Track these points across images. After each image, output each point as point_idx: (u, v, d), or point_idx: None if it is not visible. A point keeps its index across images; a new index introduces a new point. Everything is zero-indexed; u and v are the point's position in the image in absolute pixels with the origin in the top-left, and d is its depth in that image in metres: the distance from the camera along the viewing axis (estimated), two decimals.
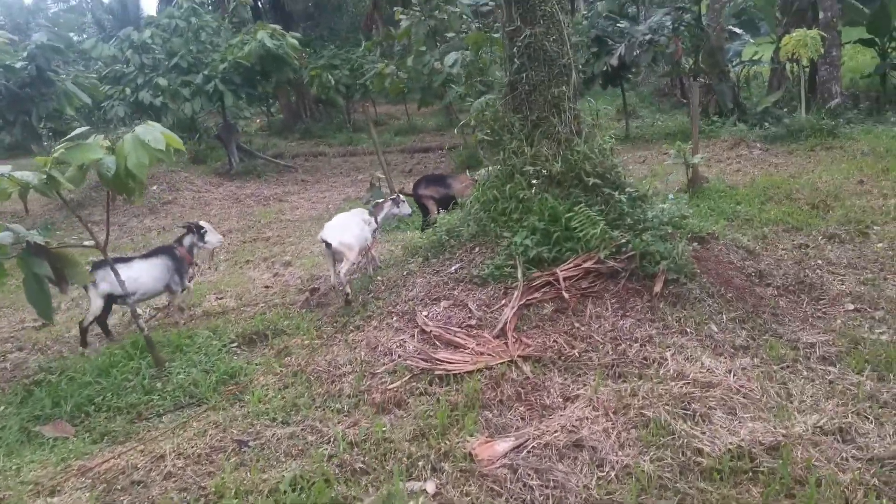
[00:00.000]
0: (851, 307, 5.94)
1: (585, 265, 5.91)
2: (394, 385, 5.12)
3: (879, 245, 7.66)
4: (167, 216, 13.25)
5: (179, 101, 16.71)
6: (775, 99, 18.48)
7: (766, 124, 16.03)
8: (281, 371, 5.66)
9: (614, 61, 18.73)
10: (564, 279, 5.85)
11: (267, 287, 8.33)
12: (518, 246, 6.01)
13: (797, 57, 14.20)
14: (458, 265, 6.42)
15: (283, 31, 17.33)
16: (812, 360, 5.06)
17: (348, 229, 7.64)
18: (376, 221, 8.37)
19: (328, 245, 7.41)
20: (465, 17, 15.15)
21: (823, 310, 5.92)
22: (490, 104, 8.24)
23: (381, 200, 8.96)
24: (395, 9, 15.62)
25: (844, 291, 6.27)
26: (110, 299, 6.86)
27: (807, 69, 17.19)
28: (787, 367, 4.96)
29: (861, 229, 8.15)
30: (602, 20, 19.41)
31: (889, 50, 18.70)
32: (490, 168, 7.03)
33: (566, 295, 5.69)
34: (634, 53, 17.73)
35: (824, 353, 5.13)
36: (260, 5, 28.51)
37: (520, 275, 5.88)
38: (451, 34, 14.85)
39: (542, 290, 5.85)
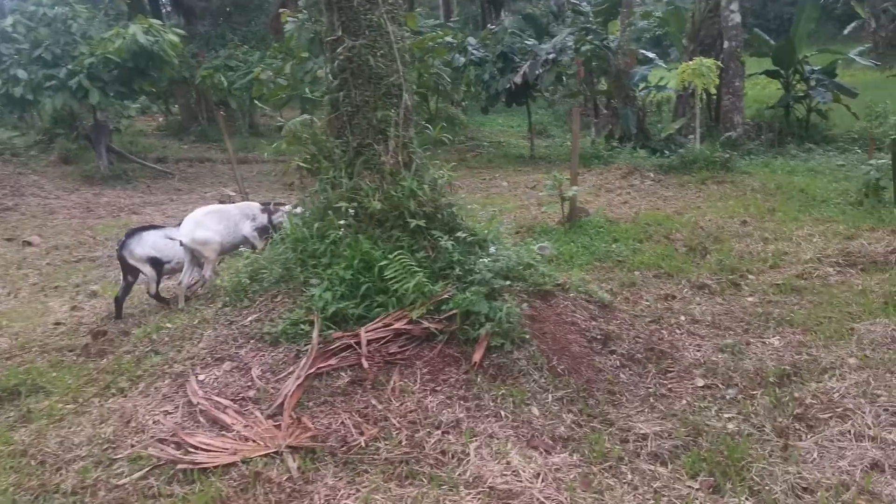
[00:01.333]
0: (701, 383, 5.13)
1: (396, 325, 4.94)
2: (124, 481, 4.01)
3: (749, 299, 6.96)
4: (4, 226, 11.72)
5: (41, 96, 15.09)
6: (679, 126, 18.12)
7: (667, 152, 15.52)
8: (1, 450, 4.48)
9: (518, 79, 18.06)
10: (369, 342, 4.87)
11: (57, 324, 7.08)
12: (317, 300, 4.97)
13: (693, 86, 13.67)
14: (254, 316, 5.35)
15: (160, 27, 15.93)
16: (641, 457, 4.19)
17: (203, 224, 6.63)
18: (270, 222, 7.24)
19: (181, 243, 6.43)
20: None
21: (670, 386, 5.09)
22: (307, 125, 7.21)
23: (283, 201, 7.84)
24: (280, 10, 14.40)
25: (698, 361, 5.47)
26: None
27: (702, 98, 16.90)
28: (611, 467, 4.06)
29: (734, 280, 7.47)
30: (508, 36, 18.66)
31: (793, 82, 18.61)
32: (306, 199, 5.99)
33: (365, 363, 4.68)
34: (537, 72, 17.01)
35: (657, 447, 4.27)
36: None
37: (314, 336, 4.86)
38: None
39: (341, 355, 4.84)
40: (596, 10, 18.03)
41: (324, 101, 5.93)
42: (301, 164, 5.96)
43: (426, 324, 4.92)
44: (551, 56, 17.23)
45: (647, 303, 6.87)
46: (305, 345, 4.90)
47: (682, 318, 6.52)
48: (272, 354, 4.96)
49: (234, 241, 6.84)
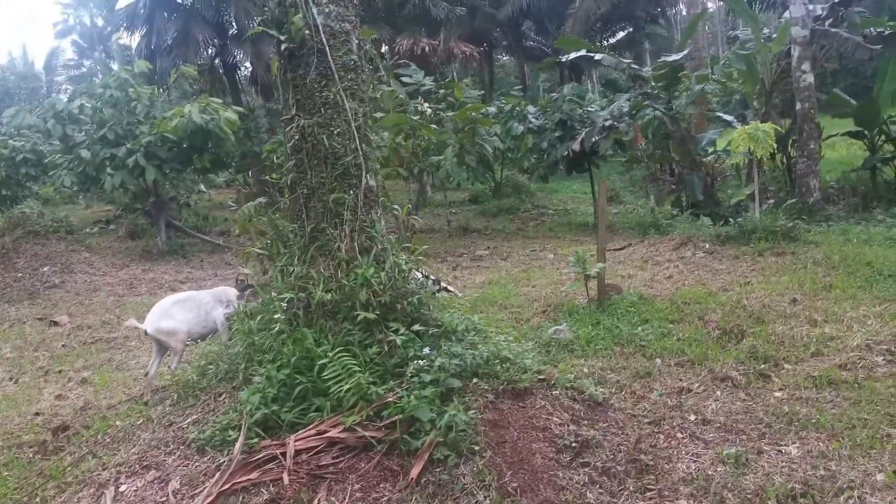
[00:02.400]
0: None
1: (331, 433, 4.42)
2: None
3: (777, 394, 6.10)
4: (45, 305, 11.92)
5: (103, 174, 15.61)
6: (750, 192, 17.08)
7: (731, 221, 14.57)
8: None
9: (576, 146, 17.53)
10: (301, 453, 4.36)
11: (37, 414, 6.87)
12: (245, 403, 4.52)
13: (752, 153, 12.79)
14: (193, 418, 4.95)
15: (219, 106, 16.31)
16: None
17: (168, 314, 6.39)
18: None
19: (146, 332, 6.23)
20: (400, 97, 13.98)
21: None
22: (259, 210, 6.87)
23: None
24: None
25: (690, 475, 4.69)
26: None
27: (782, 163, 15.98)
28: None
29: (764, 370, 6.61)
30: (566, 104, 18.25)
31: (879, 143, 17.42)
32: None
33: (286, 479, 4.17)
34: (593, 139, 16.47)
35: None
36: (238, 77, 27.91)
37: (237, 445, 4.40)
38: (380, 114, 13.66)
39: (265, 467, 4.35)
40: (657, 74, 17.39)
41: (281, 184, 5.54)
42: (257, 249, 5.60)
43: (362, 432, 4.37)
44: (608, 122, 16.65)
45: (654, 398, 6.08)
46: (231, 454, 4.43)
47: (692, 417, 5.73)
48: (196, 464, 4.53)
49: (205, 330, 6.52)
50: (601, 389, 5.83)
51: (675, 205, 17.74)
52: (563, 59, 19.44)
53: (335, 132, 5.24)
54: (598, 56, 17.89)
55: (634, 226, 16.53)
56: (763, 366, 6.80)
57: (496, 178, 22.47)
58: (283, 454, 4.35)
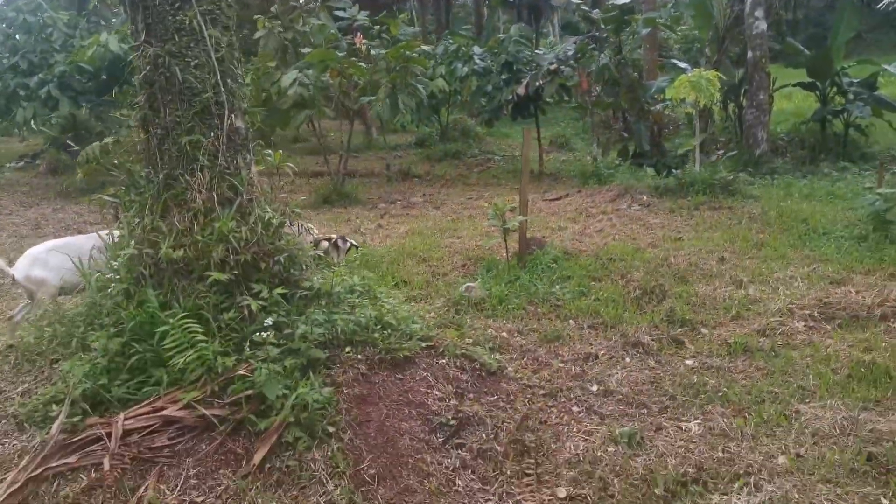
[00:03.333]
0: (563, 494, 3.91)
1: (168, 411, 3.85)
2: None
3: (688, 362, 5.71)
4: None
5: (15, 105, 14.54)
6: (699, 142, 16.66)
7: (676, 171, 14.16)
8: None
9: (521, 90, 16.88)
10: (129, 433, 3.79)
11: None
12: (67, 374, 3.93)
13: (696, 100, 12.27)
14: (23, 387, 4.34)
15: None
16: None
17: (41, 261, 5.71)
18: None
19: (13, 279, 5.60)
20: (332, 31, 13.10)
21: (518, 497, 3.88)
22: (107, 150, 6.15)
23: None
24: (256, 17, 13.55)
25: (576, 457, 4.26)
26: None
27: (734, 113, 15.63)
28: None
29: (679, 335, 6.22)
30: (512, 45, 17.50)
31: (830, 95, 17.10)
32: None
33: (107, 464, 3.61)
34: (537, 83, 15.80)
35: None
36: None
37: (55, 425, 3.80)
38: (308, 49, 12.81)
39: (88, 449, 3.78)
40: (606, 17, 16.63)
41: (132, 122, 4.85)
42: (106, 196, 4.93)
43: (201, 410, 3.81)
44: (553, 66, 15.98)
45: (560, 366, 5.63)
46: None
47: (594, 388, 5.30)
48: (12, 443, 3.93)
49: (82, 281, 5.80)
50: (496, 357, 5.36)
51: (622, 154, 17.27)
52: None
53: (192, 64, 4.55)
54: None
55: (577, 175, 16.04)
56: (679, 330, 6.42)
57: (441, 122, 21.67)
58: (109, 435, 3.78)
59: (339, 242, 7.20)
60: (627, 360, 5.87)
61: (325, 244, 7.17)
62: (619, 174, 14.59)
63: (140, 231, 4.46)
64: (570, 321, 6.77)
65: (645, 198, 12.02)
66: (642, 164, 16.12)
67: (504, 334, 6.26)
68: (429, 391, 4.52)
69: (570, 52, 15.60)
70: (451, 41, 20.61)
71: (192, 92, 4.52)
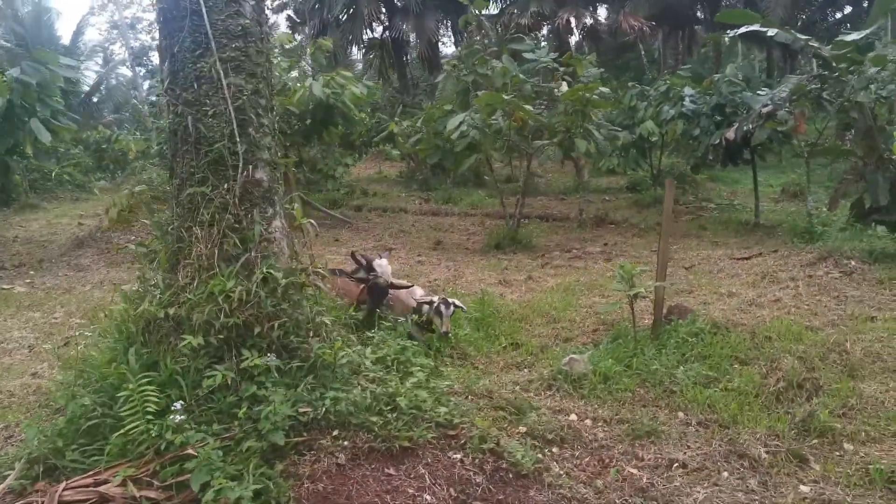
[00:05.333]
0: None
1: (104, 487, 3.58)
2: None
3: (803, 489, 4.47)
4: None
5: None
6: None
7: None
8: None
9: (730, 134, 15.31)
10: None
11: None
12: (27, 434, 3.81)
13: None
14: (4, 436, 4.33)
15: (345, 81, 15.95)
16: None
17: None
18: None
19: None
20: (515, 74, 12.75)
21: None
22: (141, 196, 5.98)
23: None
24: (442, 60, 13.57)
25: None
26: None
27: None
28: None
29: (806, 449, 4.95)
30: (726, 85, 16.01)
31: None
32: None
33: None
34: (745, 128, 14.25)
35: None
36: (406, 53, 27.70)
37: (1, 487, 3.68)
38: (482, 92, 12.52)
39: None
40: (836, 55, 14.56)
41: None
42: (131, 246, 4.85)
43: (132, 490, 3.48)
44: (766, 109, 14.29)
45: (624, 473, 4.66)
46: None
47: None
48: None
49: None
50: (536, 456, 4.51)
51: (855, 208, 14.95)
52: (731, 35, 17.07)
53: (209, 113, 4.33)
54: (771, 32, 15.43)
55: (788, 230, 14.14)
56: (813, 441, 5.08)
57: (653, 165, 20.42)
58: None
59: (442, 307, 6.57)
60: (724, 475, 4.72)
61: (426, 308, 6.70)
62: (834, 232, 12.54)
63: (147, 284, 4.28)
64: (680, 414, 5.68)
65: (852, 263, 10.17)
66: (881, 221, 13.78)
67: (581, 423, 5.36)
68: (418, 495, 3.84)
69: (783, 94, 13.81)
70: (667, 80, 19.36)
71: (208, 142, 4.29)
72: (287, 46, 18.29)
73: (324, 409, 4.00)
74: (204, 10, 4.26)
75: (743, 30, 16.22)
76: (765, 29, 15.34)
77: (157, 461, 3.66)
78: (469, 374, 6.33)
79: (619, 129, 17.21)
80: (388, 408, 4.26)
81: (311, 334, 4.37)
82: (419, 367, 4.80)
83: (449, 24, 25.34)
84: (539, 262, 11.99)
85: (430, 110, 12.79)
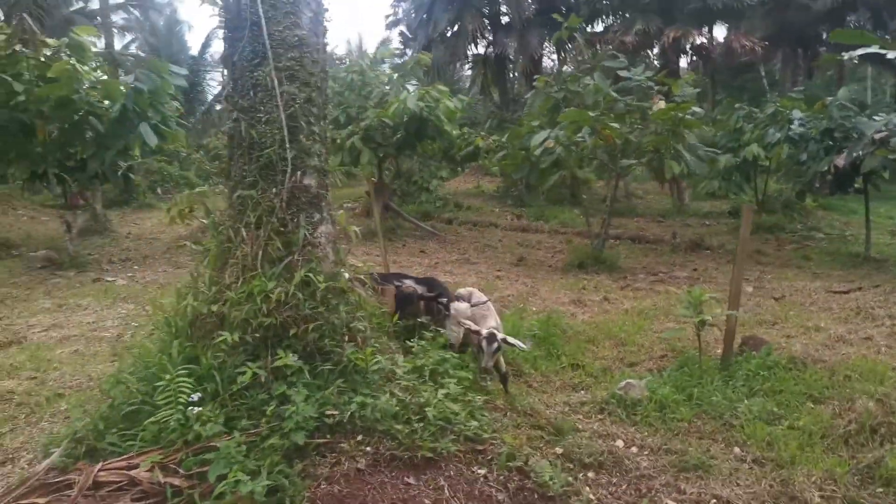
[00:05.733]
0: None
1: (135, 471, 3.77)
2: None
3: None
4: None
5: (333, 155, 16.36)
6: None
7: None
8: None
9: (839, 161, 14.61)
10: (100, 485, 3.78)
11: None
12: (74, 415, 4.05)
13: None
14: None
15: (439, 94, 16.18)
16: None
17: None
18: None
19: None
20: (608, 93, 12.60)
21: None
22: (204, 196, 6.08)
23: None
24: (536, 76, 13.57)
25: None
26: None
27: None
28: None
29: (868, 497, 4.61)
30: (837, 110, 15.29)
31: None
32: None
33: None
34: (855, 155, 13.55)
35: None
36: (508, 68, 27.77)
37: (44, 463, 3.93)
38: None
39: (63, 493, 3.83)
40: None
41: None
42: (193, 245, 5.06)
43: (159, 476, 3.65)
44: (880, 135, 13.53)
45: None
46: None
47: None
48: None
49: None
50: (566, 479, 4.41)
51: None
52: (847, 57, 16.19)
53: (263, 119, 4.50)
54: (890, 54, 14.61)
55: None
56: (878, 490, 4.76)
57: (758, 191, 19.67)
58: (75, 486, 3.78)
59: (484, 343, 5.63)
60: None
61: (475, 339, 5.95)
62: None
63: (199, 282, 4.48)
64: (735, 449, 5.43)
65: None
66: None
67: (626, 450, 5.21)
68: None
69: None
70: (775, 103, 18.62)
71: (260, 147, 4.45)
72: (398, 61, 18.77)
73: (349, 414, 4.06)
74: (263, 20, 4.44)
75: (860, 52, 15.47)
76: (884, 51, 14.55)
77: (184, 450, 3.81)
78: (519, 392, 6.26)
79: (718, 151, 16.68)
80: (416, 417, 4.27)
81: (347, 339, 4.45)
82: (455, 380, 4.77)
83: (552, 41, 25.22)
84: (619, 284, 11.72)
85: (517, 126, 12.74)
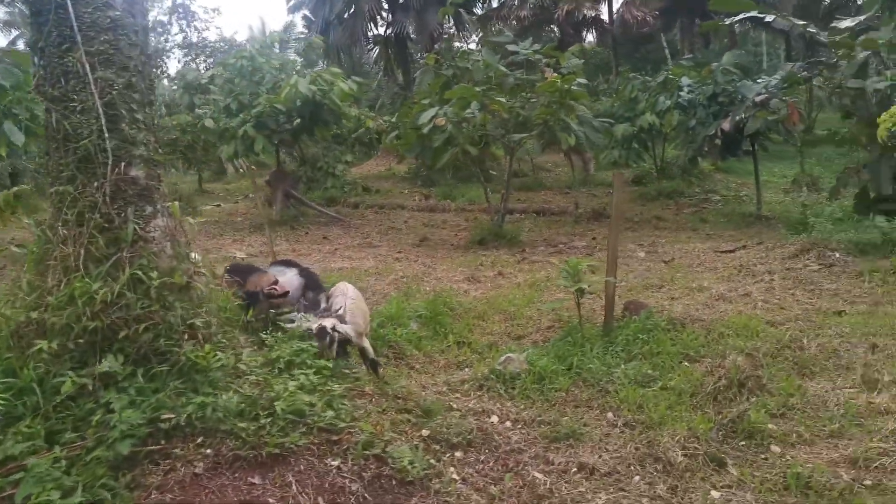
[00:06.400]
0: None
1: None
2: None
3: (713, 495, 4.22)
4: None
5: (222, 143, 15.86)
6: None
7: None
8: None
9: (725, 125, 14.92)
10: None
11: None
12: None
13: None
14: None
15: (333, 77, 15.80)
16: None
17: None
18: None
19: None
20: (499, 68, 12.50)
21: None
22: (24, 195, 5.77)
23: None
24: (426, 54, 13.37)
25: None
26: None
27: None
28: None
29: (728, 452, 4.68)
30: (721, 74, 15.60)
31: None
32: None
33: None
34: (738, 118, 13.85)
35: None
36: (408, 49, 27.48)
37: None
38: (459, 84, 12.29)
39: None
40: (834, 40, 14.03)
41: None
42: (14, 248, 4.71)
43: None
44: (760, 98, 13.88)
45: (527, 479, 4.42)
46: None
47: None
48: None
49: None
50: (428, 461, 4.29)
51: (859, 199, 14.46)
52: (728, 22, 16.62)
53: (77, 108, 4.17)
54: (768, 18, 14.99)
55: (786, 222, 13.73)
56: (741, 443, 4.81)
57: (656, 158, 20.02)
58: None
59: (316, 340, 5.29)
60: (635, 479, 4.47)
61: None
62: (827, 224, 12.09)
63: (15, 288, 4.15)
64: (609, 414, 5.43)
65: (836, 255, 9.78)
66: (884, 211, 13.29)
67: (500, 425, 5.13)
68: None
69: (773, 83, 13.39)
70: (670, 73, 18.93)
71: (76, 139, 4.13)
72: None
73: (186, 416, 3.82)
74: (69, 2, 4.10)
75: (739, 17, 15.79)
76: (762, 16, 14.89)
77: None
78: (397, 375, 6.13)
79: (612, 122, 16.86)
80: (265, 413, 4.06)
81: (186, 337, 4.19)
82: (313, 370, 4.58)
83: (451, 19, 25.08)
84: (517, 258, 11.72)
85: (407, 105, 12.55)
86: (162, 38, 39.75)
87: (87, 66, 4.09)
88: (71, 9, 4.07)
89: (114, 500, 3.35)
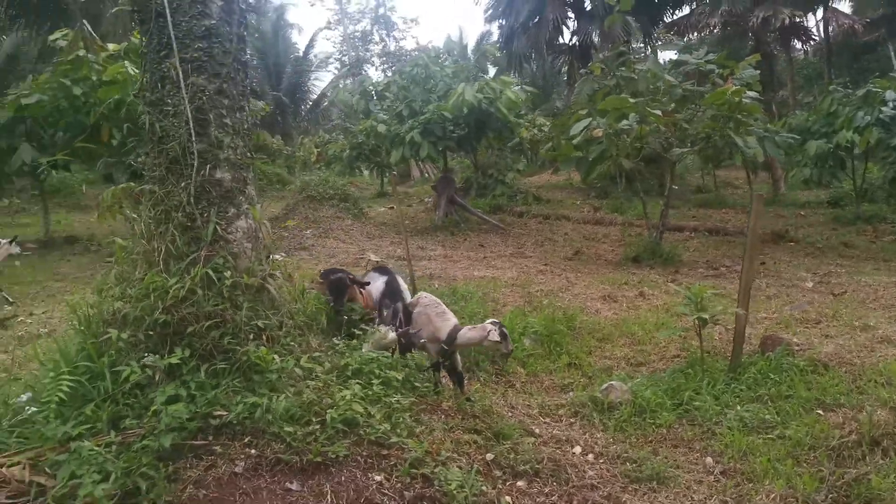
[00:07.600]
0: None
1: (5, 469, 3.77)
2: None
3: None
4: None
5: (393, 148, 16.45)
6: None
7: None
8: None
9: None
10: None
11: None
12: None
13: None
14: None
15: (499, 86, 15.84)
16: None
17: None
18: None
19: None
20: (665, 78, 11.94)
21: None
22: (127, 193, 5.92)
23: None
24: (590, 64, 13.04)
25: None
26: None
27: None
28: None
29: None
30: None
31: None
32: None
33: None
34: None
35: None
36: (593, 56, 26.96)
37: None
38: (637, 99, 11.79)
39: None
40: None
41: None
42: (119, 241, 5.02)
43: (26, 475, 3.62)
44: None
45: None
46: None
47: None
48: None
49: None
50: (480, 488, 4.07)
51: None
52: None
53: (170, 112, 4.41)
54: None
55: None
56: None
57: (855, 178, 18.19)
58: None
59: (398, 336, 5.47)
60: None
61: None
62: None
63: (113, 279, 4.45)
64: (708, 459, 4.94)
65: None
66: None
67: (580, 457, 4.82)
68: None
69: None
70: (873, 86, 17.13)
71: (167, 141, 4.37)
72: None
73: (236, 414, 3.90)
74: (168, 11, 4.34)
75: None
76: None
77: (58, 450, 3.76)
78: (492, 393, 5.95)
79: (798, 137, 15.50)
80: (317, 419, 4.06)
81: (252, 337, 4.29)
82: (380, 380, 4.53)
83: (639, 27, 24.23)
84: (668, 278, 11.05)
85: (563, 116, 12.25)
86: (363, 49, 41.99)
87: (181, 72, 4.28)
88: (168, 17, 4.28)
89: (150, 489, 3.45)
